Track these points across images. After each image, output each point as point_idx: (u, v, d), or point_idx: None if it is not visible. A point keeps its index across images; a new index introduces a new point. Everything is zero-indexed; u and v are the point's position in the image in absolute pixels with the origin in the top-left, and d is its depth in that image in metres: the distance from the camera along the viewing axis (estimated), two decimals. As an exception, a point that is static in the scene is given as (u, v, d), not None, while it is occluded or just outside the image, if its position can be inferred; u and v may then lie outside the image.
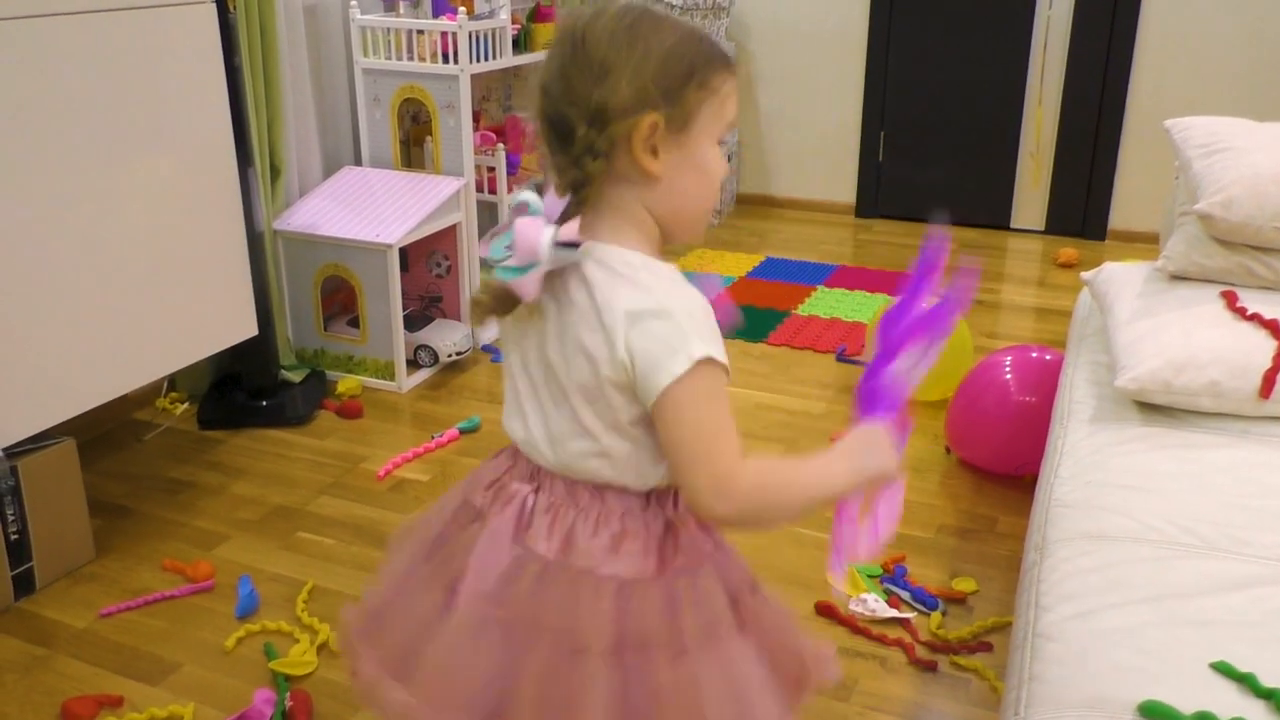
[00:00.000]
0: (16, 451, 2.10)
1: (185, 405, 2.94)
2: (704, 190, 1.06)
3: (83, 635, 2.01)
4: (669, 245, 1.08)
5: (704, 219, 1.08)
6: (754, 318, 3.59)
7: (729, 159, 4.72)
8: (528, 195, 1.02)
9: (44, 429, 2.12)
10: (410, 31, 3.16)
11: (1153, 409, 1.81)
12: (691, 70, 1.01)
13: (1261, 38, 4.16)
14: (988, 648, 1.94)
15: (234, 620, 2.04)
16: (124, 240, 2.22)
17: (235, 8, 2.58)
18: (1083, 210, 4.59)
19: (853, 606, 2.04)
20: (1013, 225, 4.73)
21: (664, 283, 1.00)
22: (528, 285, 1.00)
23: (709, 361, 0.96)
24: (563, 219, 1.01)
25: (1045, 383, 2.33)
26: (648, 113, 0.99)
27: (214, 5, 2.36)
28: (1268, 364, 1.75)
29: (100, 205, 2.16)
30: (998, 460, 2.51)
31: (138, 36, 2.19)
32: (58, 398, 2.12)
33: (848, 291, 3.88)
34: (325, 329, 3.13)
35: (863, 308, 3.67)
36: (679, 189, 1.04)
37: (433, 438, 2.74)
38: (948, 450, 2.66)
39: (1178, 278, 2.07)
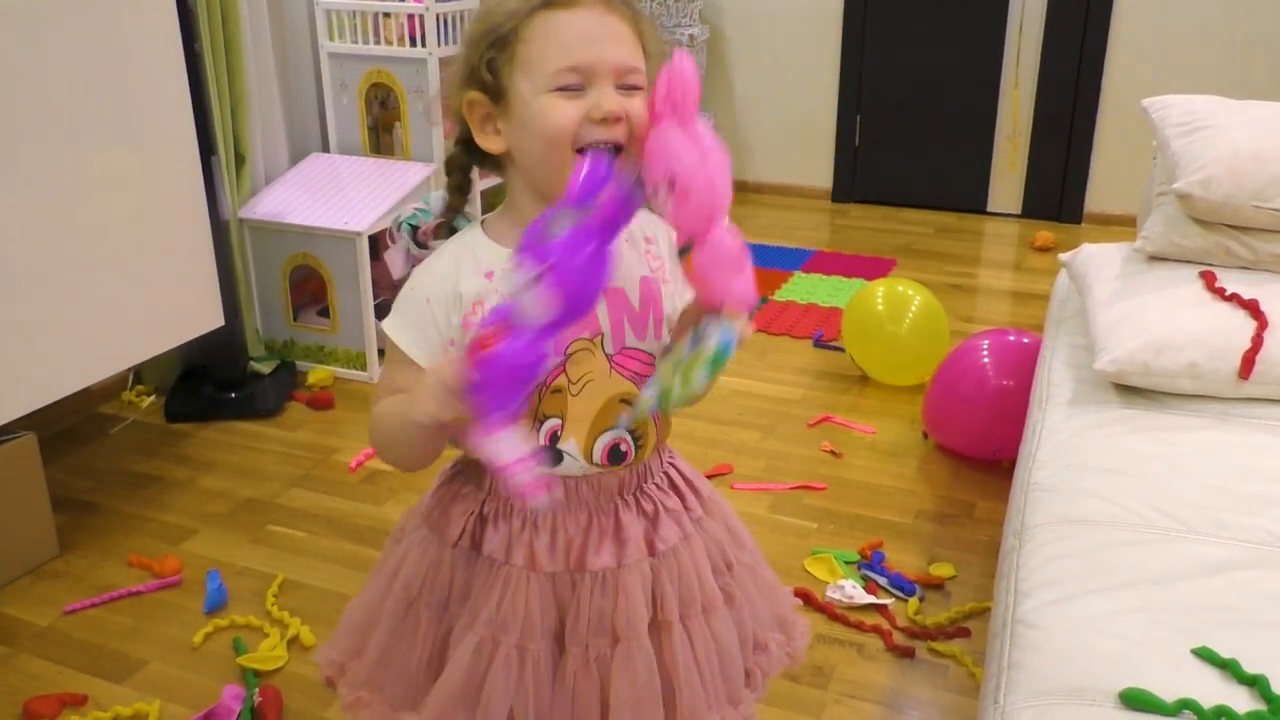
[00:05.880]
0: (-25, 446, 2.05)
1: (152, 398, 2.89)
2: (540, 146, 0.97)
3: (46, 633, 1.97)
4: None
5: (560, 173, 0.92)
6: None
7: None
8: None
9: (4, 423, 2.06)
10: (377, 14, 3.11)
11: (1132, 391, 1.80)
12: (490, 31, 0.98)
13: (1236, 17, 4.16)
14: (966, 634, 1.93)
15: (202, 616, 2.00)
16: (84, 230, 2.17)
17: (196, -9, 2.53)
18: (1059, 193, 4.58)
19: (830, 593, 2.02)
20: (989, 209, 4.72)
21: (426, 261, 1.07)
22: None
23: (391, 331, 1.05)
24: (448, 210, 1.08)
25: (1023, 366, 2.32)
26: (467, 92, 1.00)
27: (172, -12, 2.30)
28: (1247, 344, 1.74)
29: (58, 194, 2.10)
30: (976, 445, 2.50)
31: (92, 20, 2.13)
32: (18, 391, 2.06)
33: (824, 277, 3.86)
34: (295, 319, 3.08)
35: (840, 293, 3.65)
36: (524, 155, 1.00)
37: (405, 428, 2.70)
38: (925, 435, 2.64)
39: (1156, 258, 2.05)
